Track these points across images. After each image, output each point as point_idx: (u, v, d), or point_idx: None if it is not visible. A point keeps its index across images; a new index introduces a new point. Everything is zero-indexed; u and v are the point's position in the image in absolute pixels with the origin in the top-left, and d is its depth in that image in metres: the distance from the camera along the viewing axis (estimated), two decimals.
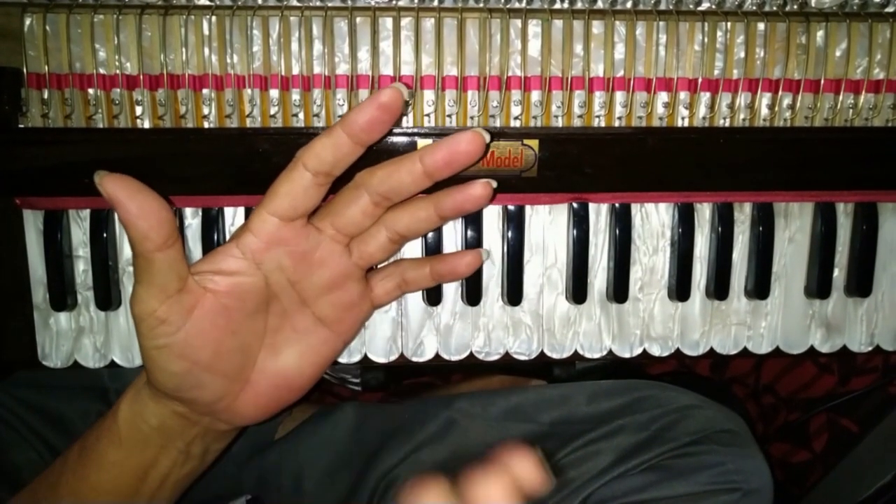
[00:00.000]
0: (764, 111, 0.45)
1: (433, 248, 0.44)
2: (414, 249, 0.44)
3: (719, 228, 0.45)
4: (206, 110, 0.42)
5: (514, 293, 0.45)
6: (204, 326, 0.34)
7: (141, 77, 0.42)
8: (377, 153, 0.37)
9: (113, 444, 0.38)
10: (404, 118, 0.43)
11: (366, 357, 0.45)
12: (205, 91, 0.42)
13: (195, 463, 0.40)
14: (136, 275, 0.33)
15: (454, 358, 0.46)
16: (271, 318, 0.37)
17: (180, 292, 0.33)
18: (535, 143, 0.41)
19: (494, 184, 0.37)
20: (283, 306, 0.37)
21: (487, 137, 0.34)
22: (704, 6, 0.44)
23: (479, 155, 0.34)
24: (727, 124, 0.44)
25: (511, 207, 0.44)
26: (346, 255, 0.37)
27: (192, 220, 0.44)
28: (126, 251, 0.44)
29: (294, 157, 0.34)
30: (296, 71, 0.42)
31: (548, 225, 0.45)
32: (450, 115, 0.43)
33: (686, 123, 0.44)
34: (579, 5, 0.43)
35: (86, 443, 0.39)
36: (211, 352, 0.35)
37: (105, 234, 0.43)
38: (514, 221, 0.44)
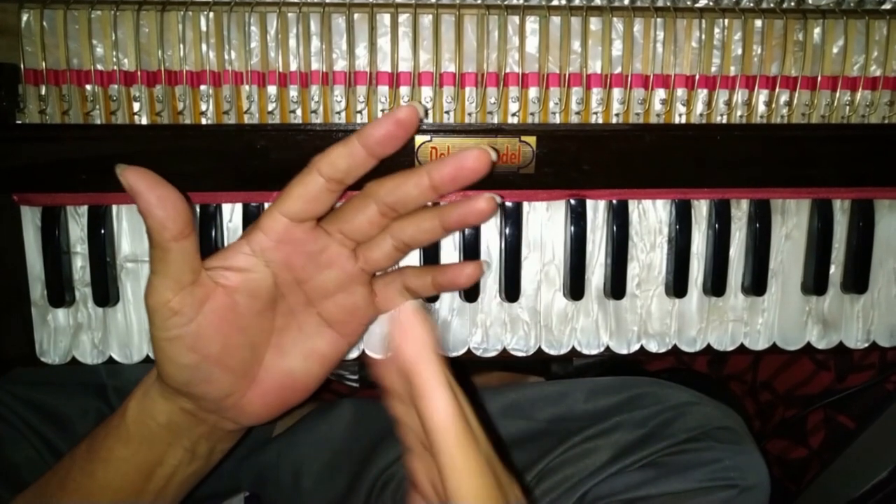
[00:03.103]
0: (761, 108, 0.45)
1: (430, 245, 0.44)
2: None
3: (716, 225, 0.45)
4: (203, 107, 0.42)
5: (511, 290, 0.45)
6: (214, 320, 0.35)
7: (138, 73, 0.42)
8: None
9: (121, 441, 0.39)
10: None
11: (363, 353, 0.45)
12: (202, 87, 0.42)
13: (201, 463, 0.41)
14: (151, 266, 0.34)
15: (451, 354, 0.47)
16: (278, 318, 0.38)
17: (193, 284, 0.34)
18: (532, 139, 0.41)
19: (499, 199, 0.37)
20: (289, 306, 0.38)
21: (494, 156, 0.35)
22: (702, 3, 0.44)
23: (485, 172, 0.35)
24: (724, 121, 0.44)
25: (509, 204, 0.44)
26: (353, 259, 0.38)
27: None
28: (124, 247, 0.44)
29: (309, 162, 0.35)
30: (293, 67, 0.42)
31: (545, 221, 0.45)
32: (447, 112, 0.43)
33: (683, 120, 0.44)
34: (577, 2, 0.43)
35: (94, 440, 0.40)
36: (220, 346, 0.36)
37: (103, 231, 0.43)
38: (512, 218, 0.44)
